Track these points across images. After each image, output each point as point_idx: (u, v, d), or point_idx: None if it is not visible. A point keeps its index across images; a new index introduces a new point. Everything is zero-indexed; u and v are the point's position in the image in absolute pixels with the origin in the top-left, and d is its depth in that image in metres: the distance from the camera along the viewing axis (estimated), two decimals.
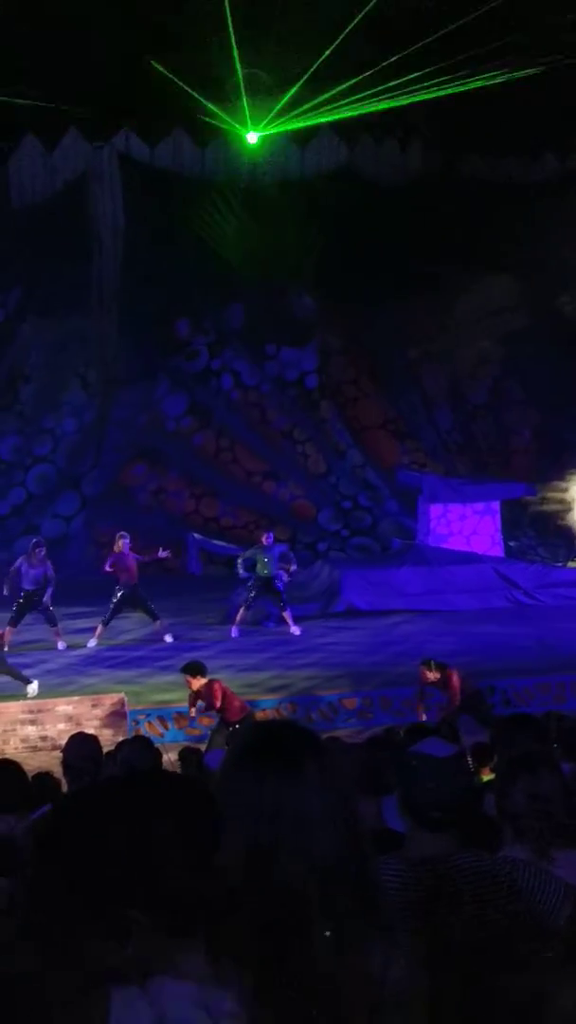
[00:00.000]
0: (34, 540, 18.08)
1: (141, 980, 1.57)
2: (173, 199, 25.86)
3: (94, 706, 14.65)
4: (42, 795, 6.81)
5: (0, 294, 26.62)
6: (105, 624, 17.80)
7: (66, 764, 7.23)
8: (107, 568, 17.78)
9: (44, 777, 7.98)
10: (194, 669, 13.07)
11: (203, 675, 12.96)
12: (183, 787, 2.00)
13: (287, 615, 18.53)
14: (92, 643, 17.68)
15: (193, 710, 13.32)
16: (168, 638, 17.91)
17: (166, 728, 14.16)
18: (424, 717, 12.98)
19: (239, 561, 18.92)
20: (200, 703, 13.15)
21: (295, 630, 18.39)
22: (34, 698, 14.83)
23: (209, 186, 26.55)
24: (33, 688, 14.99)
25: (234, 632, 18.31)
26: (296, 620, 18.65)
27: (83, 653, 17.36)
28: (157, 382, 26.99)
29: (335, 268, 25.83)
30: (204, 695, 12.86)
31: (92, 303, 26.72)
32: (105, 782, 1.73)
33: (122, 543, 17.77)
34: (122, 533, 18.05)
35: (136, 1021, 1.50)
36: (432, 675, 12.92)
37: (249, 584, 18.53)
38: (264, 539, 18.71)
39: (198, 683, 12.89)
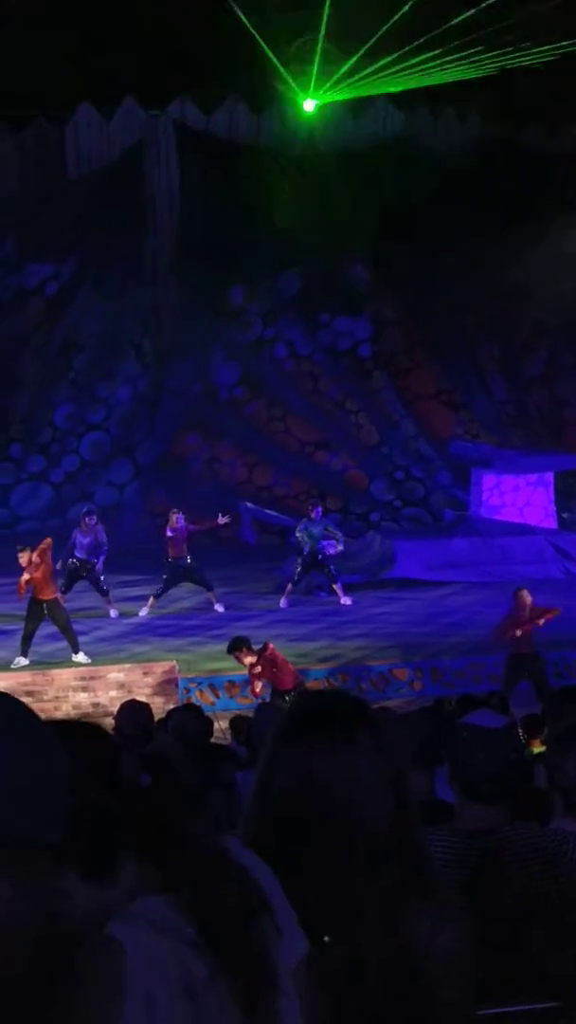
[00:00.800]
0: (84, 508, 18.19)
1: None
2: (228, 167, 25.75)
3: (145, 674, 14.75)
4: None
5: (55, 264, 26.70)
6: (156, 597, 17.91)
7: (118, 731, 7.28)
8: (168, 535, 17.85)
9: None
10: (238, 645, 13.05)
11: (249, 647, 12.97)
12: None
13: (337, 587, 18.53)
14: (143, 612, 17.80)
15: (259, 685, 13.11)
16: (219, 608, 17.99)
17: (217, 696, 14.25)
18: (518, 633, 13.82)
19: (297, 535, 18.93)
20: (262, 683, 12.97)
21: (346, 600, 18.41)
22: (86, 665, 14.96)
23: (264, 154, 26.40)
24: (82, 657, 15.12)
25: (283, 604, 18.36)
26: (347, 590, 18.66)
27: (135, 621, 17.49)
28: (211, 351, 27.00)
29: (390, 237, 25.66)
30: (264, 662, 12.82)
31: (146, 272, 26.75)
32: None
33: (176, 519, 17.83)
34: (175, 510, 18.12)
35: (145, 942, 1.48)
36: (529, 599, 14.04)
37: (297, 560, 18.57)
38: (312, 513, 18.71)
39: (249, 657, 12.89)
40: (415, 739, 5.91)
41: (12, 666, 14.85)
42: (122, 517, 25.21)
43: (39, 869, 1.20)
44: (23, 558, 15.29)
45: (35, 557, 15.22)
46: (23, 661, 14.98)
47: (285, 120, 26.61)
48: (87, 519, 17.52)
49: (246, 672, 13.34)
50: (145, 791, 1.96)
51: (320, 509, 19.18)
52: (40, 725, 1.31)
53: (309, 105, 25.61)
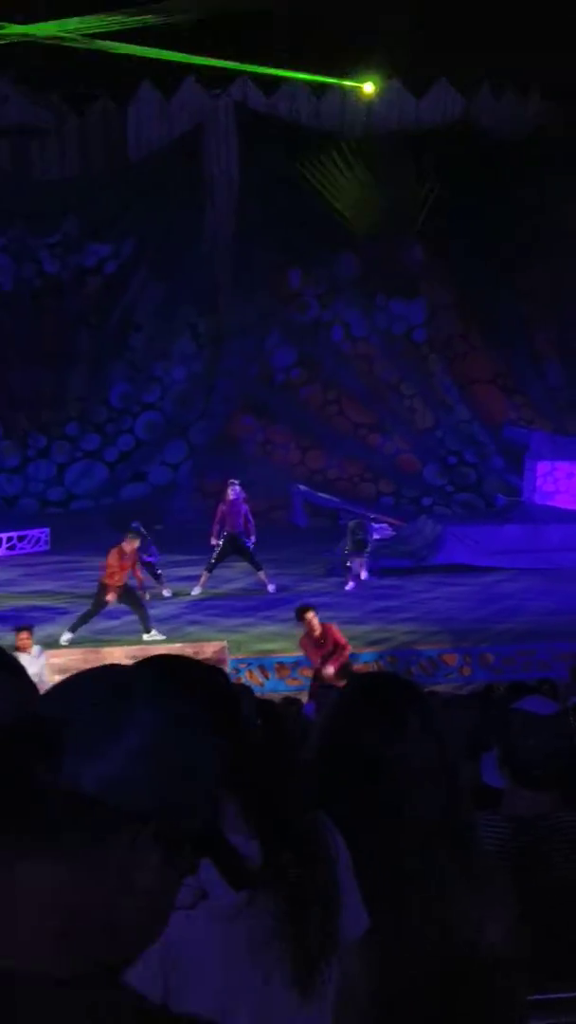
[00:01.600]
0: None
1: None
2: (288, 149, 25.73)
3: (195, 653, 14.82)
4: None
5: (114, 244, 26.83)
6: (208, 571, 17.96)
7: None
8: (218, 516, 17.93)
9: None
10: (306, 609, 13.13)
11: (315, 611, 13.06)
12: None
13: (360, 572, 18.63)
14: (196, 591, 17.87)
15: (331, 669, 12.78)
16: (271, 588, 18.02)
17: (266, 677, 14.29)
18: None
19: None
20: (329, 668, 12.86)
21: (359, 578, 18.50)
22: (137, 644, 15.06)
23: (324, 136, 26.36)
24: (154, 634, 15.23)
25: (349, 585, 18.41)
26: (397, 574, 18.66)
27: (186, 601, 17.57)
28: (267, 333, 27.02)
29: (448, 220, 25.53)
30: (325, 636, 12.86)
31: (204, 253, 26.80)
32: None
33: (231, 491, 17.89)
34: (232, 481, 18.17)
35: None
36: None
37: (346, 544, 18.63)
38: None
39: (315, 619, 12.89)
40: (464, 724, 5.92)
41: (61, 641, 14.97)
42: (175, 497, 25.34)
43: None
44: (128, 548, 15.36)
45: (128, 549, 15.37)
46: (69, 636, 15.09)
47: (345, 101, 26.51)
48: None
49: (299, 653, 13.41)
50: (261, 737, 1.96)
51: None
52: (198, 699, 1.26)
53: (369, 87, 25.50)
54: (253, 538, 17.96)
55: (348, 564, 18.69)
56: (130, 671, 1.21)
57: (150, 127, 26.64)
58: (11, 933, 1.02)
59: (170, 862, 1.07)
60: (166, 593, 17.66)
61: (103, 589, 15.22)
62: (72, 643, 14.87)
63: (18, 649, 12.05)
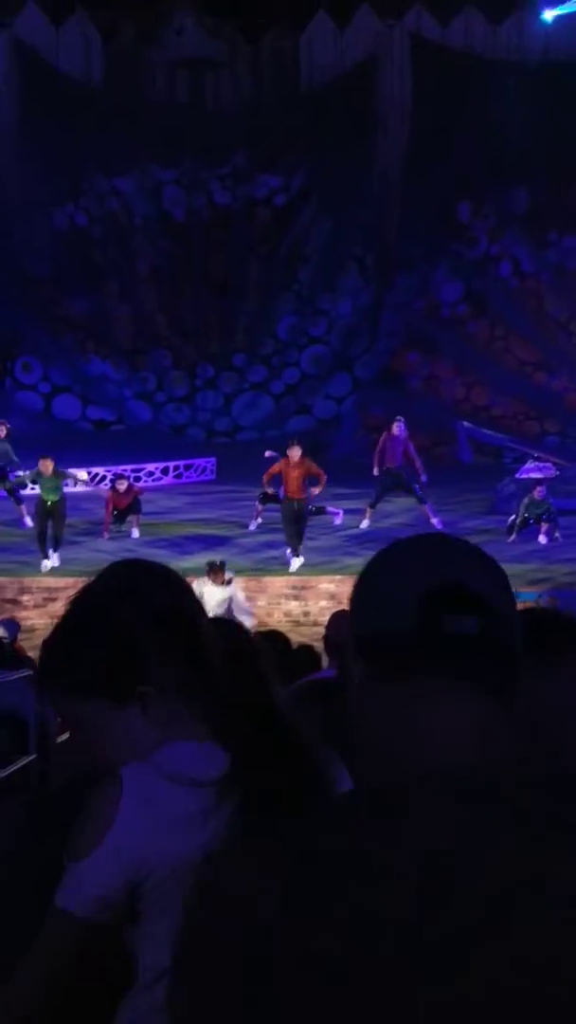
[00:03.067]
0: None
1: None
2: (462, 80, 25.25)
3: None
4: (303, 667, 7.11)
5: (284, 176, 26.85)
6: (372, 507, 18.08)
7: (328, 640, 7.45)
8: (379, 446, 17.97)
9: (306, 650, 8.27)
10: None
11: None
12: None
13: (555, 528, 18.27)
14: (364, 524, 18.01)
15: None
16: (436, 521, 18.03)
17: None
18: None
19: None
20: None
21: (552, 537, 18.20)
22: (298, 574, 15.30)
23: (500, 66, 25.76)
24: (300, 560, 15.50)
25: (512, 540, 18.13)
26: (560, 513, 18.41)
27: (350, 533, 17.71)
28: (434, 268, 26.76)
29: None
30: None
31: (374, 186, 26.61)
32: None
33: (396, 426, 17.91)
34: (399, 417, 18.16)
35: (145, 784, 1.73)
36: None
37: (521, 508, 18.21)
38: (536, 494, 18.00)
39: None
40: None
41: (293, 566, 15.38)
42: (339, 430, 25.45)
43: None
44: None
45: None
46: (299, 561, 15.49)
47: (523, 30, 25.83)
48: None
49: None
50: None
51: (545, 491, 18.44)
52: None
53: (550, 14, 24.78)
54: (424, 478, 17.96)
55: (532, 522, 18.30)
56: None
57: (323, 58, 26.44)
58: None
59: None
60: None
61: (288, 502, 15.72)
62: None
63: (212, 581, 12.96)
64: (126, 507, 17.71)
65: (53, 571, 15.23)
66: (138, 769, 1.79)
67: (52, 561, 15.44)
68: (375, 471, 17.88)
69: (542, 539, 18.04)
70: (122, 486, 17.98)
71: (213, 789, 1.82)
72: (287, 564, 15.61)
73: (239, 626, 2.39)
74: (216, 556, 14.41)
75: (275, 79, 26.70)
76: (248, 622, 12.36)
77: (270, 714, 2.05)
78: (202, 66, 26.47)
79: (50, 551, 15.59)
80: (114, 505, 17.63)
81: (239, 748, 1.87)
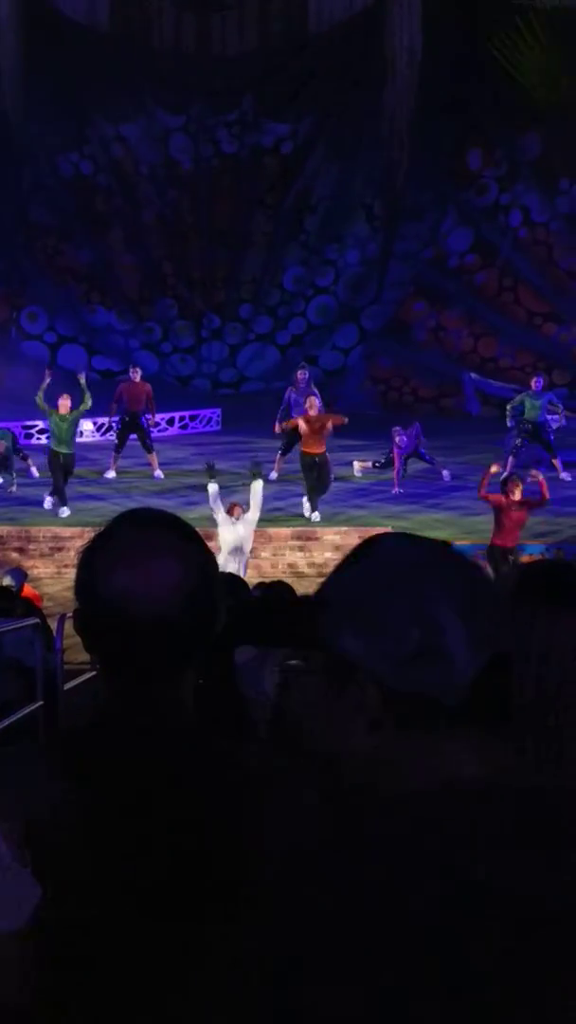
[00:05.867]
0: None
1: None
2: (472, 23, 24.85)
3: (360, 538, 14.93)
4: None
5: (292, 123, 26.56)
6: (378, 466, 18.09)
7: None
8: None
9: None
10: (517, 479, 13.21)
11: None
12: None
13: (557, 462, 18.26)
14: (358, 471, 18.07)
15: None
16: (445, 474, 18.01)
17: None
18: None
19: (508, 408, 18.62)
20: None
21: (565, 476, 18.14)
22: (303, 526, 15.29)
23: (512, 8, 25.30)
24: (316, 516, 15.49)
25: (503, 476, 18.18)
26: (567, 467, 18.38)
27: (354, 485, 17.70)
28: (443, 216, 26.50)
29: None
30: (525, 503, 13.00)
31: (382, 133, 26.29)
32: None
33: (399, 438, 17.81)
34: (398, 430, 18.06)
35: None
36: None
37: (517, 431, 18.27)
38: (534, 384, 18.33)
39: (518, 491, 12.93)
40: None
41: (311, 518, 15.37)
42: (346, 381, 25.34)
43: None
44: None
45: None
46: (314, 515, 15.49)
47: None
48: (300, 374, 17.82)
49: (465, 542, 13.47)
50: None
51: (542, 380, 18.75)
52: None
53: None
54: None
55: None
56: None
57: (331, 1, 26.05)
58: None
59: None
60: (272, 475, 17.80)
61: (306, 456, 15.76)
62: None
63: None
64: (138, 420, 17.58)
65: (57, 520, 15.30)
66: None
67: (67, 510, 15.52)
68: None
69: (564, 475, 18.05)
70: (136, 375, 17.93)
71: None
72: (296, 515, 15.66)
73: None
74: (224, 503, 14.04)
75: (283, 22, 26.32)
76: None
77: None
78: (209, 9, 26.11)
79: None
80: (128, 402, 17.51)
81: None
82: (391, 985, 0.99)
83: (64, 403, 16.06)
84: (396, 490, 17.13)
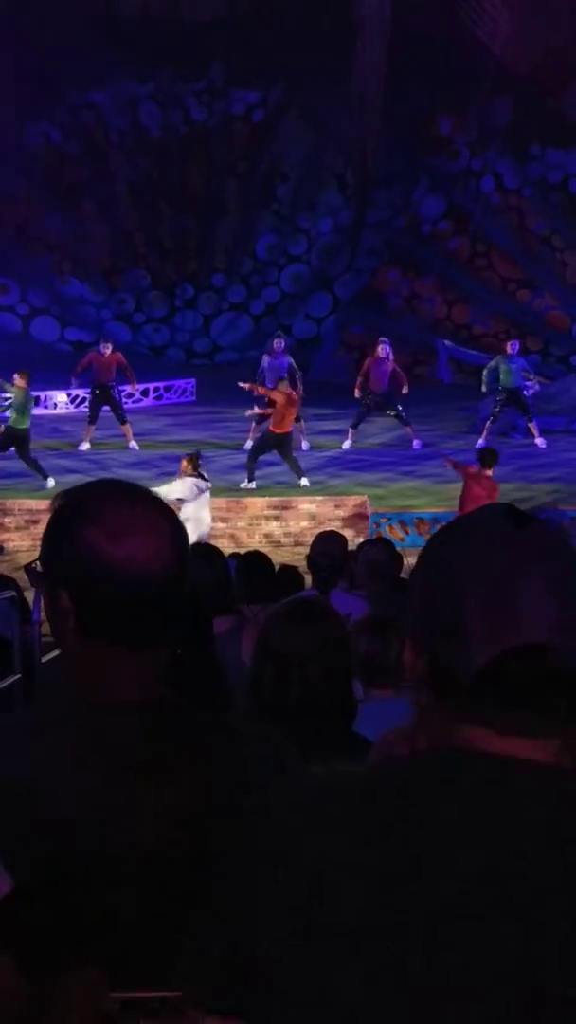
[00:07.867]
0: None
1: None
2: None
3: (337, 507, 15.00)
4: (286, 587, 7.13)
5: (262, 91, 26.37)
6: (354, 427, 18.03)
7: (312, 559, 7.46)
8: (363, 368, 17.82)
9: (289, 570, 8.27)
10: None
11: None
12: None
13: (533, 426, 18.32)
14: (347, 444, 17.96)
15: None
16: (416, 443, 18.00)
17: (406, 532, 14.37)
18: None
19: (484, 374, 18.60)
20: None
21: (540, 442, 18.20)
22: (278, 495, 15.29)
23: None
24: (305, 481, 15.44)
25: (480, 442, 18.21)
26: (542, 433, 18.44)
27: (329, 454, 17.68)
28: (415, 183, 26.43)
29: None
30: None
31: (353, 99, 26.11)
32: None
33: (381, 348, 17.73)
34: (383, 339, 17.98)
35: None
36: None
37: (495, 398, 18.28)
38: (509, 348, 18.35)
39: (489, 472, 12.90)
40: None
41: (241, 485, 15.27)
42: (319, 350, 25.29)
43: None
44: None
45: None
46: (252, 485, 15.40)
47: None
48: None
49: (438, 510, 13.50)
50: None
51: (517, 344, 18.78)
52: None
53: None
54: (406, 389, 17.84)
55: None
56: None
57: None
58: None
59: None
60: (304, 446, 17.75)
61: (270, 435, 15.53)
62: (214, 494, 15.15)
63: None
64: (109, 391, 17.39)
65: (33, 493, 15.19)
66: None
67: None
68: (357, 393, 17.74)
69: (539, 441, 18.11)
70: (107, 349, 17.67)
71: None
72: (271, 485, 15.65)
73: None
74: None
75: None
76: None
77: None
78: None
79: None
80: (97, 373, 17.27)
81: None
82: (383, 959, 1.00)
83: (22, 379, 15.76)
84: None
